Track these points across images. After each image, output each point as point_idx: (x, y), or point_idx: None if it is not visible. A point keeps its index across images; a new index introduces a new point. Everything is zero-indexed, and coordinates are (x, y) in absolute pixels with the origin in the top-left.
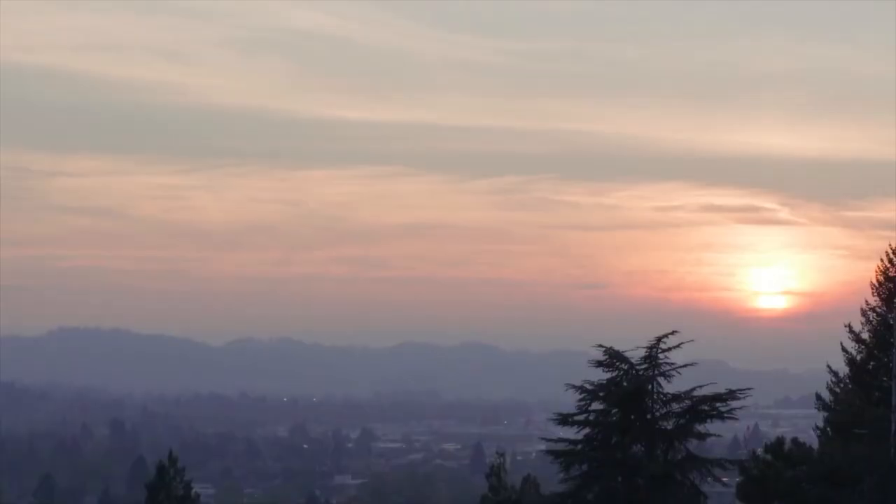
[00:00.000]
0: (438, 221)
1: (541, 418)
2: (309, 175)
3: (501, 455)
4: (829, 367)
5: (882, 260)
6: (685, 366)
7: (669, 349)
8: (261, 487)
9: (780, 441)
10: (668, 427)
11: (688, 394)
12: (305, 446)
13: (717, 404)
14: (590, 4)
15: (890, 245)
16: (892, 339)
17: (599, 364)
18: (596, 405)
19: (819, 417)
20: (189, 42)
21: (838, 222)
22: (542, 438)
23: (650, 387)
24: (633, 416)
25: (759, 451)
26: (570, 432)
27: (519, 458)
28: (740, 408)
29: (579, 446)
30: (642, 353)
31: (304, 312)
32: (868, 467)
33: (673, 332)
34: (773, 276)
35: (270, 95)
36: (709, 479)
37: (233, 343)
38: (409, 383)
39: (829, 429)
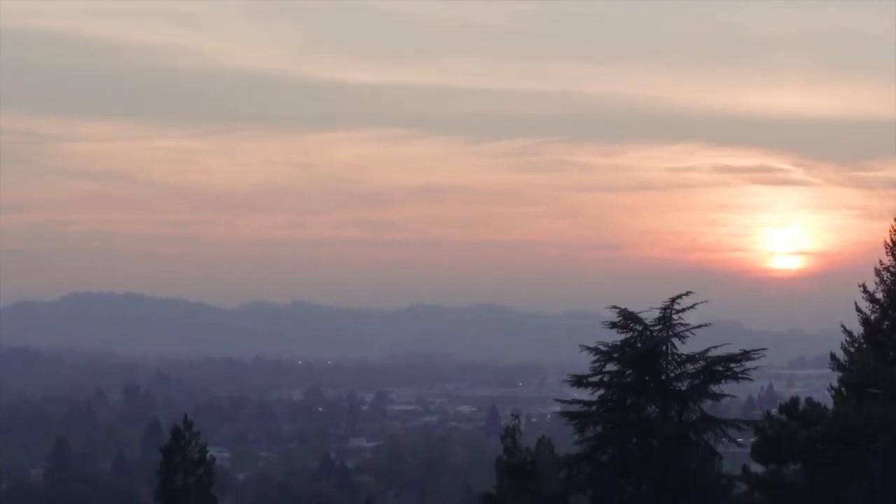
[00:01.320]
0: (451, 184)
1: (555, 380)
2: (321, 138)
3: (516, 417)
4: (843, 327)
5: None
6: (699, 326)
7: (683, 310)
8: (275, 451)
9: (794, 401)
10: (683, 388)
11: (702, 355)
12: (320, 409)
13: (732, 365)
14: None
15: None
16: None
17: (613, 325)
18: (610, 366)
19: (833, 377)
20: (201, 6)
21: (852, 182)
22: (557, 400)
23: (664, 348)
24: (647, 378)
25: (774, 411)
26: (584, 394)
27: (533, 419)
28: (754, 368)
29: (594, 408)
30: (656, 314)
31: (318, 276)
32: (882, 427)
33: (687, 293)
34: (787, 236)
35: (282, 59)
36: (723, 439)
37: (246, 307)
38: (424, 346)
39: (843, 389)
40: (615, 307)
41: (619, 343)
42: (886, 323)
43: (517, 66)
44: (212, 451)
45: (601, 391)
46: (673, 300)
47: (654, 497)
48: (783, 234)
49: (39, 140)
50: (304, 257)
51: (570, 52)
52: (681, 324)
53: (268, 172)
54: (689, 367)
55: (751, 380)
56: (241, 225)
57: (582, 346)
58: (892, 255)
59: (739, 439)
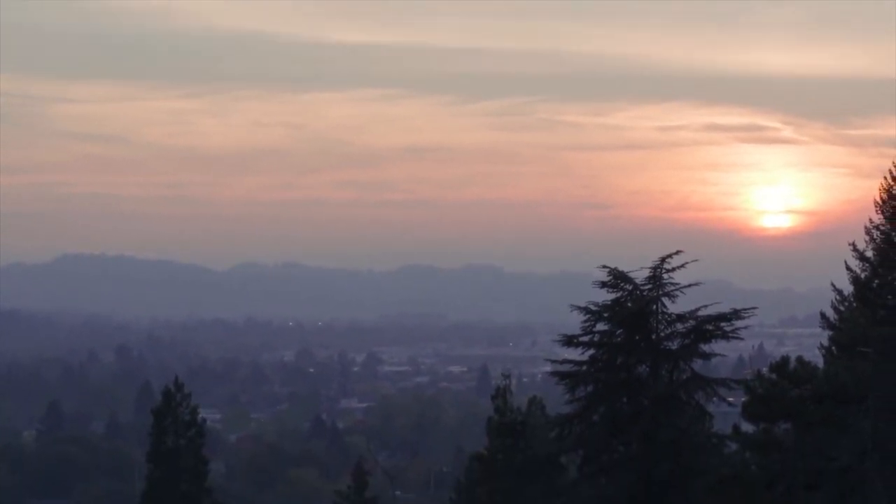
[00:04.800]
0: (441, 144)
1: (546, 339)
2: (312, 98)
3: (507, 377)
4: (833, 285)
5: (886, 178)
6: (689, 286)
7: (673, 269)
8: (267, 412)
9: (784, 360)
10: (673, 347)
11: (692, 314)
12: (311, 370)
13: (722, 324)
14: None
15: (893, 162)
16: None
17: (604, 285)
18: (601, 326)
19: (824, 336)
20: None
21: (841, 140)
22: (548, 360)
23: (654, 307)
24: (637, 337)
25: (764, 370)
26: (575, 353)
27: (525, 379)
28: (745, 327)
29: (584, 367)
30: (646, 273)
31: (309, 236)
32: (873, 386)
33: (677, 252)
34: (777, 195)
35: (272, 20)
36: (714, 399)
37: (237, 268)
38: (415, 306)
39: (833, 348)
40: (605, 267)
41: (609, 303)
42: (876, 282)
43: (506, 26)
44: (203, 413)
45: (592, 351)
46: (663, 259)
47: (644, 456)
48: (773, 193)
49: (31, 101)
50: (295, 218)
51: (559, 11)
52: (671, 283)
53: (259, 133)
54: (680, 327)
55: (741, 339)
56: (232, 186)
57: (572, 305)
58: (882, 213)
59: (730, 399)
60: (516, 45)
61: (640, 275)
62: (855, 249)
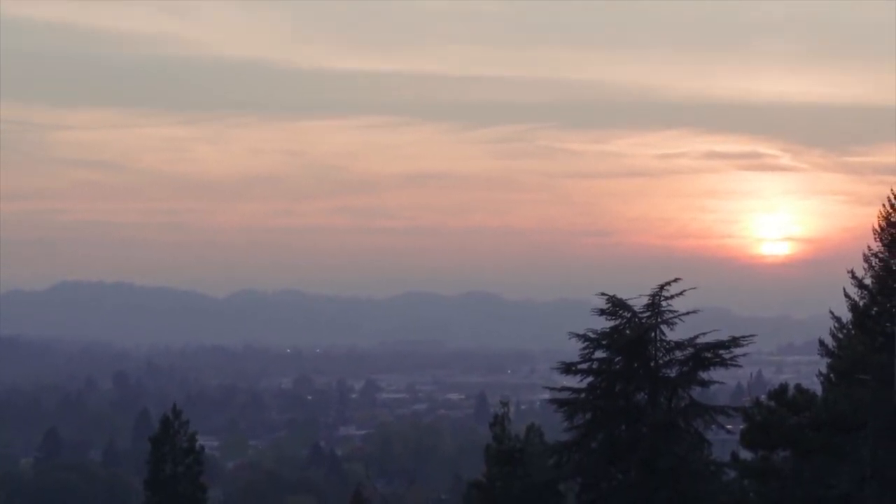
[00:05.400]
0: (441, 171)
1: (545, 367)
2: (310, 126)
3: (505, 404)
4: (832, 313)
5: (884, 205)
6: (688, 313)
7: (672, 297)
8: (265, 439)
9: (783, 388)
10: (672, 374)
11: (691, 341)
12: (309, 397)
13: (721, 351)
14: None
15: (892, 190)
16: (894, 285)
17: (603, 312)
18: (599, 353)
19: (822, 364)
20: None
21: (840, 168)
22: (546, 387)
23: (653, 334)
24: (636, 364)
25: (763, 397)
26: (573, 381)
27: (523, 407)
28: (743, 355)
29: (583, 395)
30: (645, 300)
31: (307, 263)
32: (871, 413)
33: (676, 280)
34: (776, 222)
35: (271, 47)
36: (712, 426)
37: (236, 295)
38: (413, 333)
39: (832, 375)
40: (604, 294)
41: (607, 330)
42: (875, 309)
43: (506, 53)
44: (202, 440)
45: (590, 378)
46: (661, 287)
47: (643, 484)
48: (772, 221)
49: (30, 128)
50: (294, 245)
51: (559, 39)
52: (669, 310)
53: (257, 160)
54: (678, 354)
55: (739, 366)
56: (231, 213)
57: (571, 333)
58: (881, 240)
59: (728, 426)
60: (516, 73)
61: (639, 302)
62: (853, 277)
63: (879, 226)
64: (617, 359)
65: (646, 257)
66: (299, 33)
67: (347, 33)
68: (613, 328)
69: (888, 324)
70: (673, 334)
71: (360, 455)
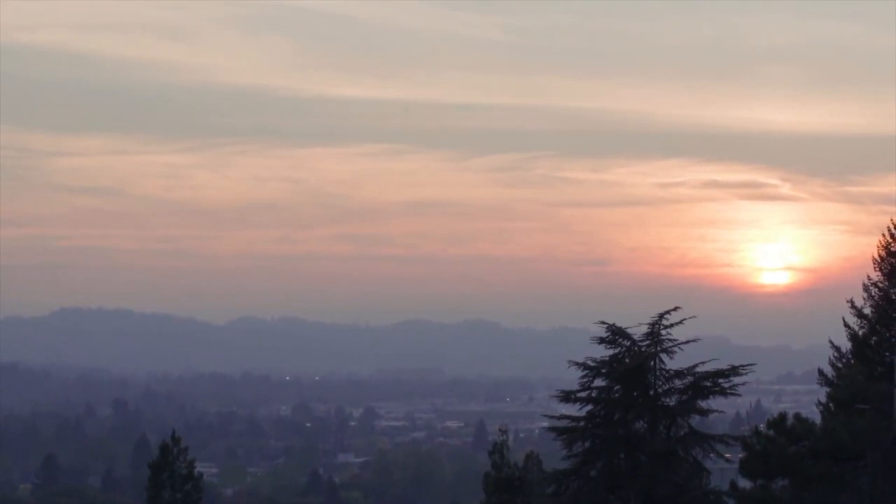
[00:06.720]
0: (440, 199)
1: (544, 395)
2: (311, 153)
3: (504, 432)
4: (831, 342)
5: (884, 235)
6: (687, 342)
7: (672, 325)
8: (264, 466)
9: (782, 417)
10: (671, 403)
11: (690, 370)
12: (308, 425)
13: (720, 380)
14: None
15: (892, 220)
16: (894, 314)
17: (602, 341)
18: (598, 382)
19: (822, 393)
20: (190, 21)
21: (840, 198)
22: (545, 415)
23: (652, 363)
24: (635, 393)
25: (762, 426)
26: (572, 409)
27: (522, 435)
28: (743, 384)
29: (582, 423)
30: (644, 329)
31: (307, 291)
32: (871, 442)
33: (675, 309)
34: (776, 251)
35: (271, 74)
36: (711, 455)
37: (235, 322)
38: (412, 361)
39: (831, 404)
40: (603, 322)
41: (607, 358)
42: (874, 338)
43: (505, 82)
44: (200, 467)
45: (589, 406)
46: (661, 315)
47: None
48: (771, 250)
49: (28, 154)
50: (294, 272)
51: (559, 67)
52: (669, 339)
53: (257, 187)
54: (677, 383)
55: (739, 395)
56: (231, 240)
57: (570, 361)
58: (881, 270)
59: (727, 455)
60: (515, 101)
61: (639, 331)
62: (853, 306)
63: (879, 255)
64: (616, 387)
65: (645, 286)
66: (300, 61)
67: (348, 61)
68: (613, 357)
69: (887, 353)
70: (672, 363)
71: (358, 483)
